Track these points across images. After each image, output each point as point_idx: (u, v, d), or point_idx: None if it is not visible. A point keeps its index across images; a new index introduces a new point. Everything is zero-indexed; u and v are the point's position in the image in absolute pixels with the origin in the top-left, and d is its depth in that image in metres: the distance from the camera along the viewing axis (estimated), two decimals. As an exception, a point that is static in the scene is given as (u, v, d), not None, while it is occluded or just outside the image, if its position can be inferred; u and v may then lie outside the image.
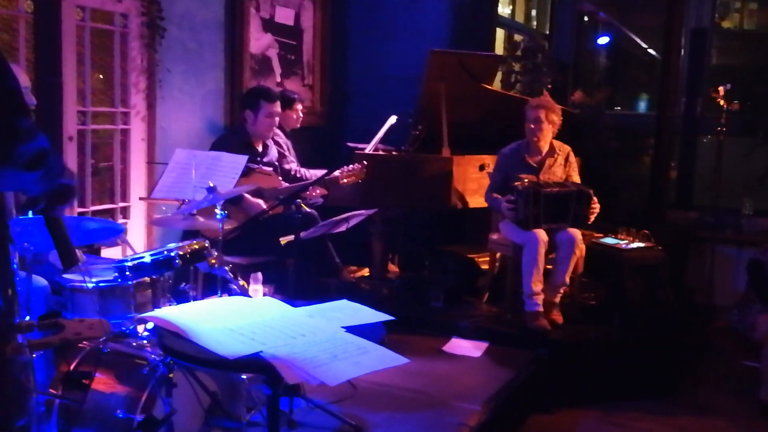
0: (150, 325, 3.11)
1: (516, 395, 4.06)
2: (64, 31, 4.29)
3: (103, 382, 2.87)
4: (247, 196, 4.60)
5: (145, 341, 3.06)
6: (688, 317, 5.43)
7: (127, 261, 3.10)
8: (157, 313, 2.37)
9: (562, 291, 4.78)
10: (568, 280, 4.73)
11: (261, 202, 4.63)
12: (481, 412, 3.68)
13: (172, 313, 2.29)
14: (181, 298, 3.35)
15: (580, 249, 4.71)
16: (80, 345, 2.95)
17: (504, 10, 7.88)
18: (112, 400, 2.81)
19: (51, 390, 2.87)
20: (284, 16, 6.04)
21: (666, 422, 4.35)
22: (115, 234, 3.47)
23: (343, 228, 4.16)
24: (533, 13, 8.70)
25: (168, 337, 2.14)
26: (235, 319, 2.21)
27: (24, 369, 1.89)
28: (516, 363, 4.35)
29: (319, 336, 2.09)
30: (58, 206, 1.89)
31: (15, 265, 1.91)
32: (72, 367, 2.92)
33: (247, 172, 4.49)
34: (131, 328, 3.10)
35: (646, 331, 4.83)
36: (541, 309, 4.63)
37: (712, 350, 5.33)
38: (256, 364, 1.96)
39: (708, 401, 4.67)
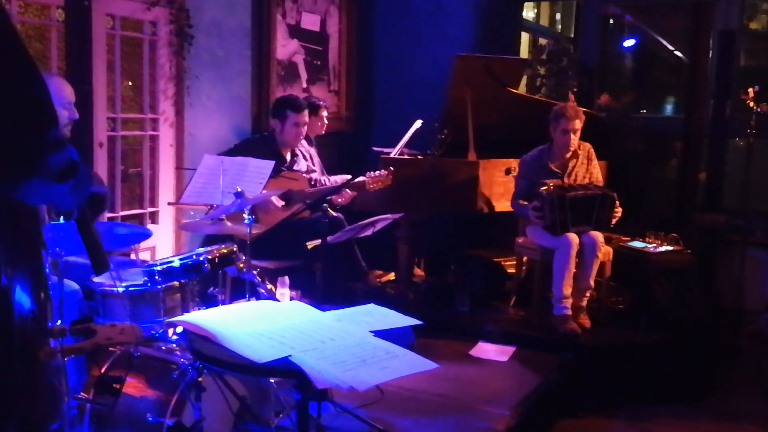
0: (179, 329, 3.14)
1: (544, 400, 4.04)
2: (95, 40, 4.36)
3: (133, 386, 2.90)
4: (274, 199, 4.63)
5: (174, 345, 3.09)
6: (717, 321, 5.36)
7: (156, 265, 3.14)
8: (187, 317, 2.39)
9: (588, 294, 4.76)
10: (592, 283, 4.71)
11: (279, 206, 4.65)
12: (509, 416, 3.66)
13: (201, 317, 2.31)
14: (210, 302, 3.37)
15: (603, 252, 4.68)
16: (111, 349, 2.99)
17: (528, 14, 7.86)
18: (143, 404, 2.84)
19: (83, 394, 2.91)
20: (310, 22, 6.07)
21: (695, 427, 4.30)
22: (144, 239, 3.51)
23: (369, 232, 4.17)
24: (558, 16, 8.68)
25: (197, 341, 2.15)
26: (264, 323, 2.21)
27: (57, 373, 1.91)
28: (543, 367, 4.33)
29: (348, 340, 2.09)
30: (93, 216, 1.88)
31: (48, 270, 1.93)
32: (103, 372, 2.95)
33: (275, 176, 4.52)
34: (161, 332, 3.13)
35: (675, 336, 4.79)
36: (570, 312, 4.62)
37: (741, 355, 5.26)
38: (286, 368, 1.96)
39: (738, 406, 4.60)
